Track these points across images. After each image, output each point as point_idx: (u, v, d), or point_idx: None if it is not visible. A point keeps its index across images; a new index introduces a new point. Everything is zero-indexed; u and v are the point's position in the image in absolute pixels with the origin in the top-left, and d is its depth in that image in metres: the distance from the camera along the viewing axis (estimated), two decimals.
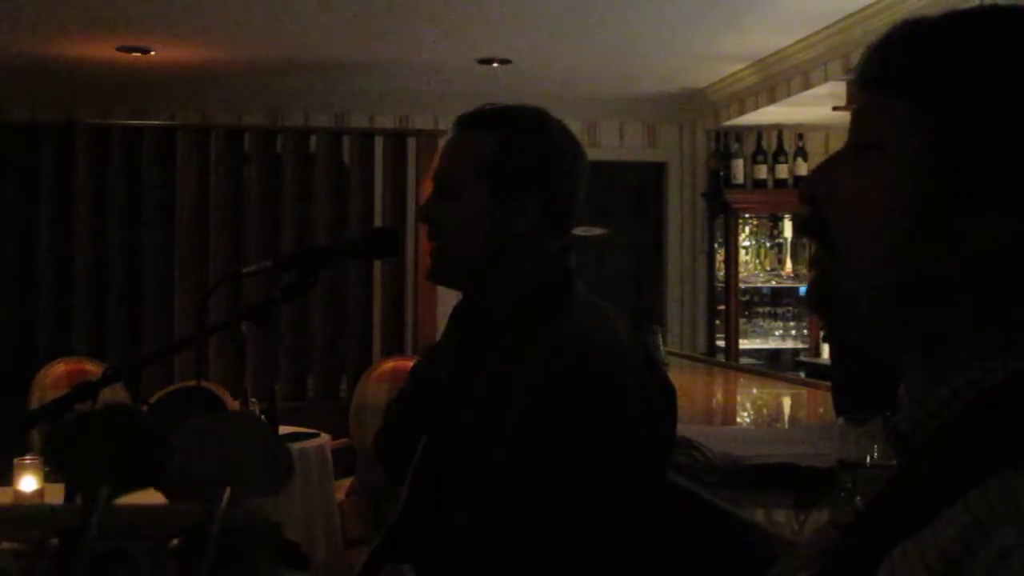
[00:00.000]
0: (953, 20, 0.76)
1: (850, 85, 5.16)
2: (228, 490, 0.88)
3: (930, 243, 0.73)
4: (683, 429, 1.87)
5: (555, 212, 1.63)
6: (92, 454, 0.86)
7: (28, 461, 3.20)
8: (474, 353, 1.66)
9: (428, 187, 5.86)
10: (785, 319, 6.88)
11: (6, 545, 0.91)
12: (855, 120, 0.80)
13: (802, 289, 6.84)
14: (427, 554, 1.60)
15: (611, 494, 1.50)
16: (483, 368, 1.62)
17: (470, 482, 1.56)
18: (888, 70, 0.77)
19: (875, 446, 1.52)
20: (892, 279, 0.76)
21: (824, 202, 0.80)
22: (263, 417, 4.49)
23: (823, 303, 0.81)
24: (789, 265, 6.83)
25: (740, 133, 6.71)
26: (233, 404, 4.12)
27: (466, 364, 1.67)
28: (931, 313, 0.75)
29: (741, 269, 6.72)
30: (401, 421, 1.87)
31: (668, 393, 1.63)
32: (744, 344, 6.66)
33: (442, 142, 5.69)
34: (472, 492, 1.54)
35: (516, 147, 1.61)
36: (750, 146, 6.72)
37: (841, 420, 1.61)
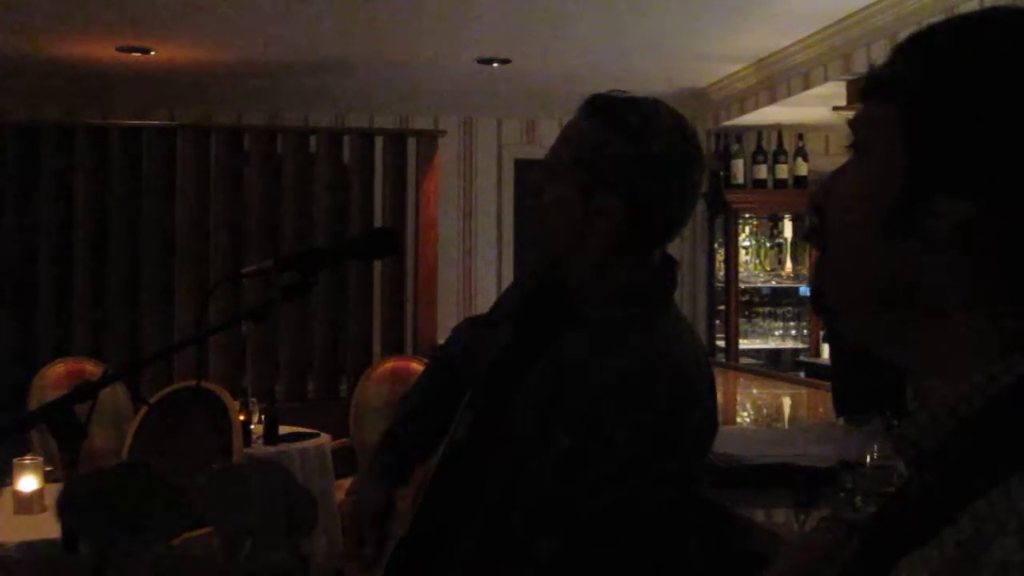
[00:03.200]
0: (932, 28, 0.79)
1: (850, 85, 5.17)
2: (250, 539, 0.88)
3: (907, 236, 0.74)
4: None
5: (639, 220, 1.60)
6: (109, 510, 0.85)
7: (28, 461, 3.20)
8: (543, 330, 1.66)
9: (429, 186, 5.78)
10: (785, 319, 6.88)
11: None
12: (850, 129, 0.83)
13: (802, 289, 6.85)
14: (442, 559, 1.61)
15: (654, 509, 1.53)
16: (551, 349, 1.62)
17: (514, 466, 1.56)
18: (875, 79, 0.80)
19: (875, 446, 1.53)
20: (876, 277, 0.77)
21: (824, 210, 0.82)
22: (263, 416, 4.49)
23: (820, 306, 0.82)
24: (789, 265, 6.83)
25: (740, 133, 6.71)
26: (233, 404, 4.12)
27: (530, 339, 1.67)
28: (923, 314, 0.75)
29: (741, 269, 6.72)
30: (433, 394, 1.89)
31: (714, 426, 1.64)
32: (744, 344, 6.66)
33: (442, 142, 5.68)
34: (514, 479, 1.55)
35: (607, 145, 1.58)
36: (750, 146, 6.72)
37: (841, 420, 1.61)
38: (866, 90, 0.81)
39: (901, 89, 0.76)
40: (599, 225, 1.59)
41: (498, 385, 1.67)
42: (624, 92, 1.65)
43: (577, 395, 1.54)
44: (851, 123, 0.82)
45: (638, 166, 1.57)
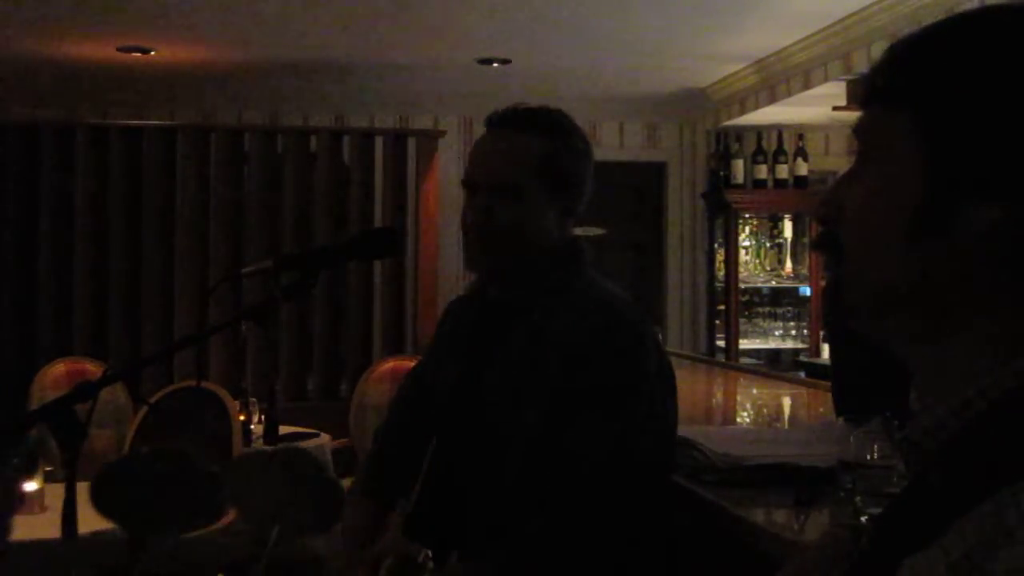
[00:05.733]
0: (934, 29, 0.78)
1: (850, 85, 5.17)
2: (278, 527, 0.88)
3: (931, 241, 0.74)
4: (683, 429, 1.87)
5: (573, 208, 1.79)
6: (142, 498, 0.85)
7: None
8: (497, 328, 1.73)
9: (429, 187, 5.70)
10: (785, 319, 6.88)
11: None
12: (856, 136, 0.82)
13: (802, 289, 6.85)
14: (448, 533, 1.63)
15: (642, 439, 1.61)
16: (508, 339, 1.70)
17: (500, 443, 1.62)
18: (881, 85, 0.80)
19: (875, 446, 1.52)
20: (898, 280, 0.76)
21: (835, 219, 0.81)
22: (263, 416, 4.49)
23: (835, 310, 0.82)
24: (789, 265, 6.83)
25: (740, 133, 6.71)
26: (233, 404, 4.12)
27: (488, 338, 1.74)
28: (938, 315, 0.75)
29: (741, 269, 6.72)
30: (409, 417, 1.91)
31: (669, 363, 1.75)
32: (744, 344, 6.66)
33: (442, 142, 5.65)
34: (503, 449, 1.61)
35: (558, 154, 1.75)
36: (750, 146, 6.72)
37: (841, 420, 1.61)
38: (869, 95, 0.80)
39: (913, 94, 0.76)
40: (561, 226, 1.75)
41: (462, 402, 1.73)
42: (523, 104, 1.80)
43: (535, 365, 1.62)
44: (857, 131, 0.81)
45: (583, 165, 1.77)
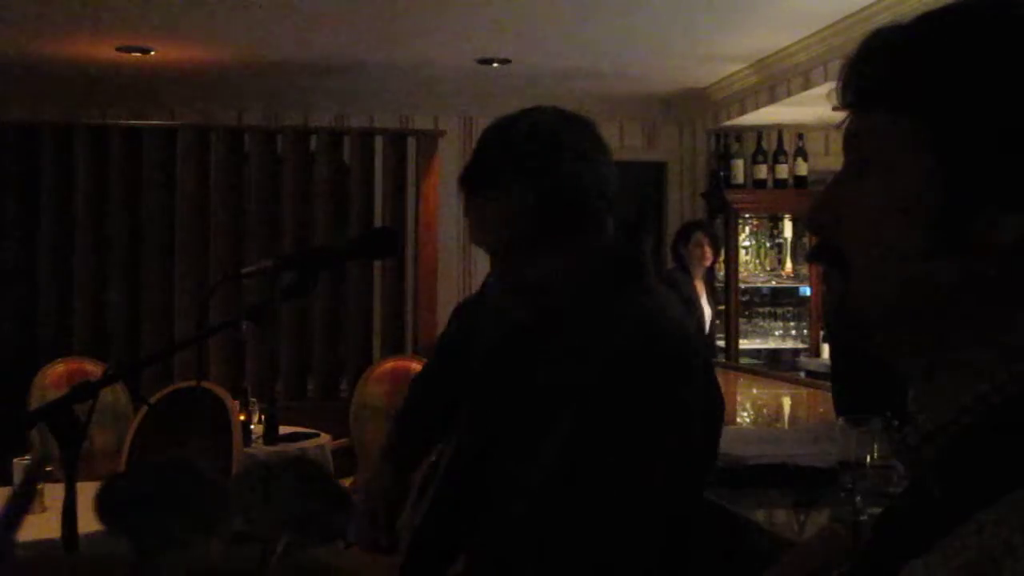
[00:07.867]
0: (927, 24, 0.74)
1: None
2: (285, 537, 0.87)
3: (949, 255, 0.71)
4: None
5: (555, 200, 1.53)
6: (147, 508, 0.84)
7: (28, 461, 3.20)
8: (522, 344, 1.62)
9: (429, 187, 5.69)
10: (785, 319, 6.88)
11: None
12: (849, 141, 0.78)
13: (802, 289, 6.85)
14: (455, 557, 1.60)
15: (669, 476, 1.47)
16: (541, 345, 1.57)
17: (520, 459, 1.51)
18: (874, 87, 0.75)
19: (875, 446, 1.53)
20: (913, 294, 0.73)
21: (833, 229, 0.78)
22: (263, 416, 4.49)
23: (842, 324, 0.79)
24: (789, 265, 6.84)
25: (740, 133, 6.71)
26: (233, 404, 4.12)
27: (519, 339, 1.63)
28: (952, 327, 0.73)
29: (741, 269, 6.72)
30: (433, 393, 1.90)
31: (719, 394, 1.59)
32: (744, 344, 6.66)
33: (442, 142, 5.60)
34: (522, 470, 1.50)
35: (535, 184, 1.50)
36: (750, 146, 6.72)
37: (841, 420, 1.61)
38: (861, 98, 0.76)
39: (918, 98, 0.72)
40: (585, 246, 1.54)
41: (487, 407, 1.65)
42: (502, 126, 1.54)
43: (566, 384, 1.49)
44: (850, 136, 0.77)
45: (594, 173, 1.52)
